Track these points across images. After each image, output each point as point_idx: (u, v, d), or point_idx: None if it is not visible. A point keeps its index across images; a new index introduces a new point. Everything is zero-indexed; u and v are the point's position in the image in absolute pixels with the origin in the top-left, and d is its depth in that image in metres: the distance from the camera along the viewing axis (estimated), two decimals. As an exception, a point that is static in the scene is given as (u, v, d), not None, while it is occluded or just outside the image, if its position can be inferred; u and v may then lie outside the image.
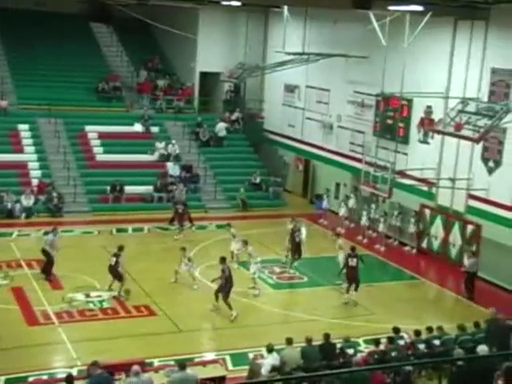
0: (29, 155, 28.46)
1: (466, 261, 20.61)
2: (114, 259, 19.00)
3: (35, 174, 27.73)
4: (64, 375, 12.92)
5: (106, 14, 35.88)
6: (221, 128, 31.52)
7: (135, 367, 12.18)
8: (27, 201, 25.99)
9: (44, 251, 20.06)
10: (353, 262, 19.38)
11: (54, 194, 26.25)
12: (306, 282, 21.18)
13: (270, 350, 14.05)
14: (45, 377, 14.42)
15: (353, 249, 19.83)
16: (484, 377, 11.85)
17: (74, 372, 14.07)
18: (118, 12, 32.29)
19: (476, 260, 20.41)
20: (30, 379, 14.25)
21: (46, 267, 20.05)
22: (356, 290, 19.37)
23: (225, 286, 17.89)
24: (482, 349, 12.64)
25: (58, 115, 29.88)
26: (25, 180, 27.38)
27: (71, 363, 15.07)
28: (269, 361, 13.85)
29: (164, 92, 33.31)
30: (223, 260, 18.33)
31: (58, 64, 32.98)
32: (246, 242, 20.79)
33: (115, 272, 18.97)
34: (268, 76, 31.89)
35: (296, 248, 21.63)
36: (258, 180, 29.79)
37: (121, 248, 19.36)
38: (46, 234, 21.55)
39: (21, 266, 20.90)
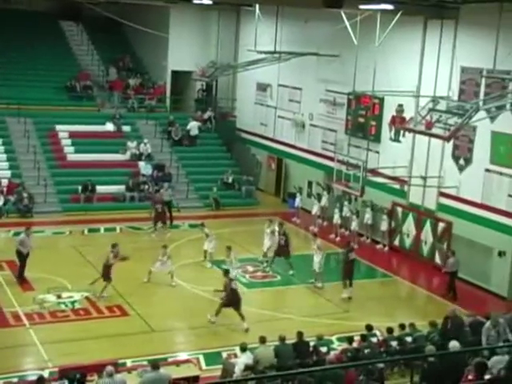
0: (-2, 155, 28.15)
1: (448, 261, 20.63)
2: (112, 257, 18.91)
3: (5, 174, 27.36)
4: (35, 377, 12.78)
5: (76, 12, 35.62)
6: (193, 126, 31.43)
7: (109, 368, 12.08)
8: (-3, 201, 25.70)
9: (17, 252, 19.69)
10: (352, 256, 19.73)
11: (25, 195, 25.95)
12: (279, 280, 21.21)
13: (244, 349, 14.05)
14: (15, 379, 14.22)
15: (348, 243, 20.66)
16: (455, 372, 12.01)
17: (46, 374, 13.92)
18: (88, 10, 32.06)
19: (457, 259, 20.50)
20: (1, 382, 14.05)
21: (19, 270, 19.67)
22: (351, 285, 19.66)
23: (232, 299, 17.37)
24: (454, 345, 12.77)
25: (27, 114, 29.54)
26: (-6, 180, 27.06)
27: (42, 365, 14.90)
28: (242, 360, 13.85)
29: (135, 91, 33.12)
30: (226, 273, 17.93)
31: (28, 62, 32.56)
32: (229, 248, 20.35)
33: (107, 271, 18.78)
34: (240, 75, 31.88)
35: (280, 249, 21.52)
36: (230, 180, 29.72)
37: (114, 245, 19.27)
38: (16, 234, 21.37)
39: (-10, 267, 20.63)
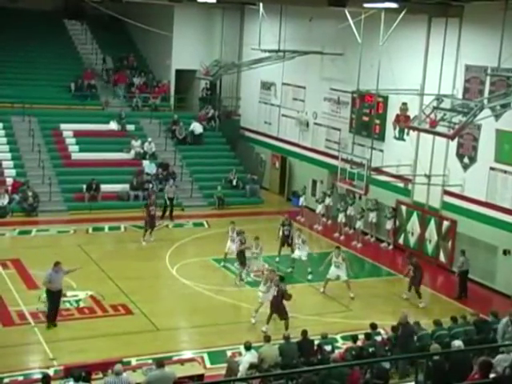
0: (3, 154, 28.11)
1: (458, 260, 20.58)
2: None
3: (9, 172, 27.43)
4: (40, 376, 12.81)
5: (81, 11, 35.66)
6: (195, 126, 31.41)
7: (118, 366, 12.10)
8: (1, 200, 25.69)
9: (46, 291, 16.96)
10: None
11: (29, 193, 26.00)
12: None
13: (248, 347, 14.06)
14: (21, 378, 14.28)
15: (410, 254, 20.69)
16: (459, 371, 11.99)
17: (51, 372, 13.94)
18: (93, 9, 32.05)
19: (467, 258, 20.44)
20: (6, 380, 14.10)
21: (49, 311, 16.89)
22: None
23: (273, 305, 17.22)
24: (458, 344, 12.76)
25: (32, 113, 29.60)
26: (-1, 179, 27.12)
27: (47, 363, 14.93)
28: (247, 358, 13.87)
29: (139, 90, 33.15)
30: (282, 279, 17.82)
31: (32, 61, 32.66)
32: (257, 238, 20.56)
33: (242, 256, 20.28)
34: (244, 73, 31.88)
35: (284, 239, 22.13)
36: (234, 182, 29.61)
37: (239, 233, 20.56)
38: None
39: (-5, 266, 20.67)
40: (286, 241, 22.11)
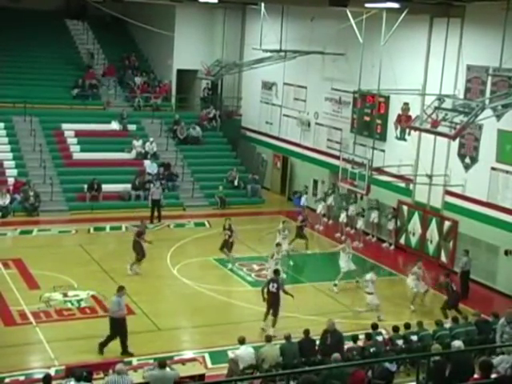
0: (4, 154, 28.12)
1: (461, 260, 20.54)
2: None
3: (11, 172, 27.44)
4: (42, 375, 12.81)
5: (82, 10, 35.69)
6: (193, 129, 31.29)
7: (120, 365, 12.10)
8: (3, 200, 25.70)
9: (111, 320, 15.56)
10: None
11: (31, 193, 26.01)
12: (285, 279, 21.16)
13: (242, 341, 14.10)
14: (22, 377, 14.29)
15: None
16: (460, 371, 11.99)
17: (52, 372, 13.94)
18: (94, 9, 32.09)
19: (470, 258, 20.42)
20: (7, 380, 14.12)
21: (122, 343, 15.48)
22: None
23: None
24: (457, 344, 12.74)
25: (33, 113, 29.59)
26: (0, 179, 27.07)
27: (49, 363, 14.94)
28: (241, 351, 13.86)
29: (141, 90, 33.17)
30: (277, 273, 17.86)
31: (33, 61, 32.66)
32: (284, 221, 21.61)
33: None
34: (245, 73, 31.86)
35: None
36: (235, 178, 29.62)
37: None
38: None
39: (-3, 265, 20.68)
40: (226, 245, 21.63)
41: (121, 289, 15.72)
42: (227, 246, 21.66)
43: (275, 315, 17.11)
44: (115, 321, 15.41)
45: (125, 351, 15.42)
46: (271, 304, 17.14)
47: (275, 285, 17.18)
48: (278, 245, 20.60)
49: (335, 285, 20.10)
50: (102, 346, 15.39)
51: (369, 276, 18.76)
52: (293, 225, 23.62)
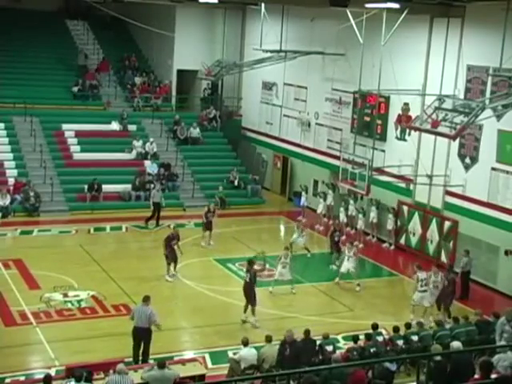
0: (4, 154, 28.12)
1: (462, 260, 20.50)
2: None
3: (11, 173, 27.44)
4: (42, 376, 12.82)
5: (82, 11, 35.69)
6: (192, 130, 31.28)
7: (121, 365, 12.09)
8: (3, 200, 25.71)
9: (145, 330, 14.88)
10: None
11: (31, 194, 26.01)
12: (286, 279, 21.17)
13: (246, 343, 14.09)
14: (22, 378, 14.29)
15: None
16: (461, 372, 11.99)
17: (52, 372, 13.94)
18: (95, 9, 32.10)
19: (471, 258, 20.42)
20: (8, 380, 14.12)
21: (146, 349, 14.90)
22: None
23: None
24: (456, 345, 12.74)
25: (33, 113, 29.59)
26: (0, 179, 27.07)
27: (49, 363, 14.94)
28: (244, 352, 13.85)
29: (141, 90, 33.17)
30: (251, 263, 18.01)
31: (34, 61, 32.66)
32: (299, 220, 22.53)
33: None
34: (246, 74, 31.87)
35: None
36: (236, 179, 29.63)
37: None
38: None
39: (-3, 266, 20.68)
40: (209, 227, 23.30)
41: (147, 298, 14.95)
42: (208, 226, 22.97)
43: (253, 305, 17.41)
44: (147, 331, 14.74)
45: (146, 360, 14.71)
46: (244, 294, 17.53)
47: (248, 275, 17.60)
48: (286, 248, 20.50)
49: (358, 284, 20.17)
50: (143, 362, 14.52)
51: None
52: (292, 225, 23.59)
